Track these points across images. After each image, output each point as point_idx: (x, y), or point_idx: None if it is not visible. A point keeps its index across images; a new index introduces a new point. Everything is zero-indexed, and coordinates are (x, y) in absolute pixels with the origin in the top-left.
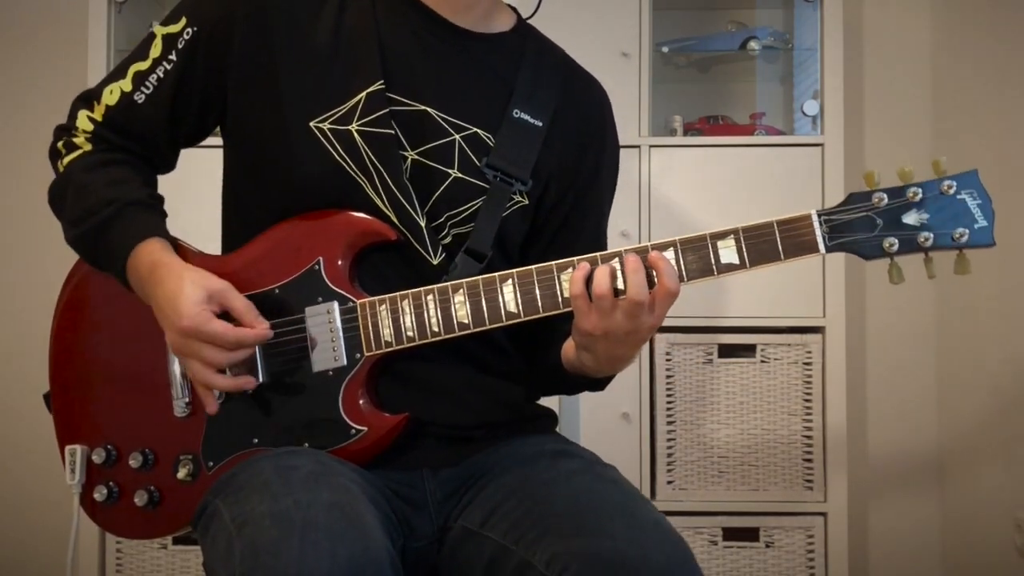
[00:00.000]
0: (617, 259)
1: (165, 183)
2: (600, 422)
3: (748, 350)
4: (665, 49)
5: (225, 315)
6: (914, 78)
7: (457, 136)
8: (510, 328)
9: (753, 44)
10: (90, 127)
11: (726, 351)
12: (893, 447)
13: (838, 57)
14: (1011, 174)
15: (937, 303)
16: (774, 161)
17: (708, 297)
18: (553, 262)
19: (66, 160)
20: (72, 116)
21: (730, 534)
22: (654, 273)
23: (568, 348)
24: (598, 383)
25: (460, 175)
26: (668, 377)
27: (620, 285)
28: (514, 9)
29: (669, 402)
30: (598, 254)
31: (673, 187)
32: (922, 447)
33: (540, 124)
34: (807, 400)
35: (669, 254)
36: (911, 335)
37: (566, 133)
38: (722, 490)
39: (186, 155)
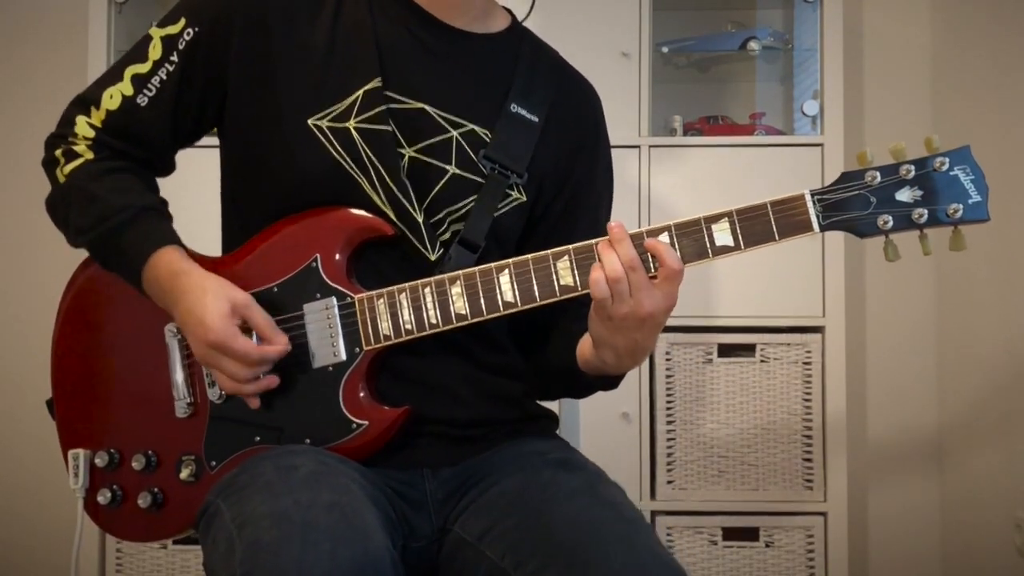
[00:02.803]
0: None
1: (165, 183)
2: (600, 422)
3: (748, 350)
4: (665, 49)
5: (244, 326)
6: (914, 78)
7: (455, 133)
8: (515, 331)
9: (753, 44)
10: (91, 133)
11: (725, 351)
12: (893, 447)
13: (838, 57)
14: (1011, 173)
15: (937, 303)
16: (774, 161)
17: (708, 297)
18: (549, 251)
19: (67, 169)
20: (69, 123)
21: (730, 534)
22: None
23: (584, 348)
24: (613, 381)
25: (458, 171)
26: (668, 377)
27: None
28: (509, 12)
29: (669, 402)
30: (594, 241)
31: (673, 187)
32: (922, 447)
33: (536, 120)
34: (807, 400)
35: (664, 238)
36: (910, 335)
37: (561, 131)
38: (722, 490)
39: (185, 155)
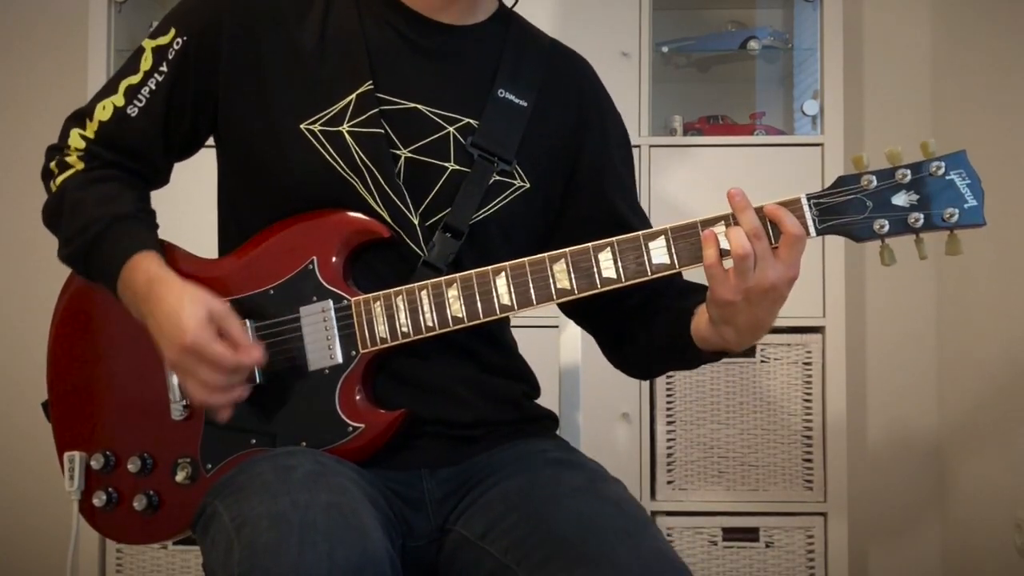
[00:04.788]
0: (723, 223)
1: (162, 188)
2: (600, 422)
3: (748, 350)
4: (665, 49)
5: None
6: (914, 78)
7: (451, 129)
8: (601, 312)
9: (753, 44)
10: (82, 144)
11: None
12: (893, 447)
13: (838, 57)
14: (1011, 173)
15: (937, 303)
16: (774, 161)
17: None
18: (545, 254)
19: (59, 179)
20: (64, 135)
21: (730, 534)
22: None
23: (701, 327)
24: (723, 354)
25: (457, 167)
26: (668, 377)
27: (726, 246)
28: None
29: (669, 402)
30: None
31: (673, 187)
32: (922, 447)
33: (525, 104)
34: (807, 400)
35: (660, 242)
36: (911, 335)
37: (557, 111)
38: (722, 490)
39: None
